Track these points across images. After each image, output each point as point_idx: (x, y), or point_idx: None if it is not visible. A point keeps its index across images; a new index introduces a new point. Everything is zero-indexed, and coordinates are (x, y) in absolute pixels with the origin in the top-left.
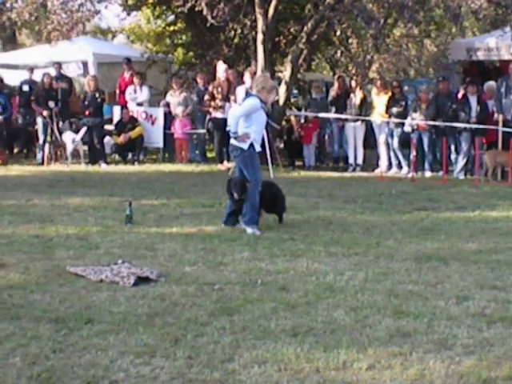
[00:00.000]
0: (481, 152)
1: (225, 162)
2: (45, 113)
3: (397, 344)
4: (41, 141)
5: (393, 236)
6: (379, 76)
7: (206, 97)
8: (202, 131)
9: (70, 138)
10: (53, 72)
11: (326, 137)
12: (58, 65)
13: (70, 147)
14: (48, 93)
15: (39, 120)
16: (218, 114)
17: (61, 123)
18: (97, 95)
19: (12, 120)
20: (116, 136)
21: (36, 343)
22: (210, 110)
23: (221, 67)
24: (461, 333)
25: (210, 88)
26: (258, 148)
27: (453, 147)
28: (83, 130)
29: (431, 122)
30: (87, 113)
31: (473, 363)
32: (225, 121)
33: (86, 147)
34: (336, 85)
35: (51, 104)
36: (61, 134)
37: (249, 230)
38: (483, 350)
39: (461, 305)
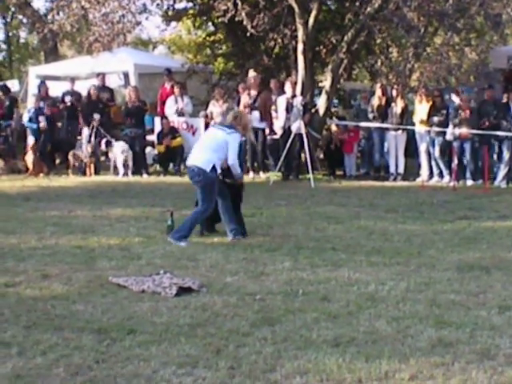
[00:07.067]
0: None
1: (261, 173)
2: (88, 129)
3: (439, 354)
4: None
5: (434, 245)
6: (423, 85)
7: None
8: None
9: (119, 149)
10: (95, 83)
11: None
12: (102, 75)
13: (120, 158)
14: (94, 104)
15: (85, 131)
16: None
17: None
18: (138, 106)
19: (54, 131)
20: (158, 146)
21: (79, 354)
22: None
23: (250, 74)
24: (503, 343)
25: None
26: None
27: (495, 156)
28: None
29: (474, 131)
30: (128, 123)
31: None
32: (255, 130)
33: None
34: (380, 92)
35: (96, 116)
36: (106, 145)
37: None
38: None
39: (503, 314)
